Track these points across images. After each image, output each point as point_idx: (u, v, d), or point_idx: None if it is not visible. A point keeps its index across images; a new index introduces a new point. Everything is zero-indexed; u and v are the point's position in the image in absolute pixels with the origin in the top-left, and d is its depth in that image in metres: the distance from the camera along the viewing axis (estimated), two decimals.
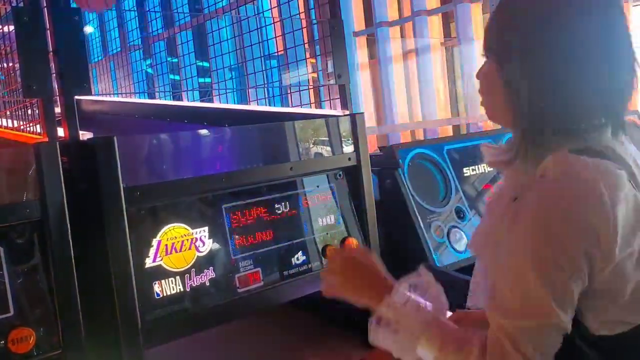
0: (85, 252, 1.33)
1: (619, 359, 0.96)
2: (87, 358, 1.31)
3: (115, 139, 1.33)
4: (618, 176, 0.92)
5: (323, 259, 1.71)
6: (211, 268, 1.50)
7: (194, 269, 1.47)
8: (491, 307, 0.98)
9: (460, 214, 2.15)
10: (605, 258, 0.90)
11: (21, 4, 1.37)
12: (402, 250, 1.99)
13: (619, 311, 0.94)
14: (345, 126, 1.82)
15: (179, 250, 1.46)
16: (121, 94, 3.50)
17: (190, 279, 1.46)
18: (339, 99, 1.89)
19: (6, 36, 1.74)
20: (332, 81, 1.92)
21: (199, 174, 1.52)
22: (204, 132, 1.59)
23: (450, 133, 3.91)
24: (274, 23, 2.37)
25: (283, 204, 1.68)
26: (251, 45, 2.41)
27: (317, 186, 1.77)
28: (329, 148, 1.80)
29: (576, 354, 0.95)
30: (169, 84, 3.37)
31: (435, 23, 4.04)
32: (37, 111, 1.73)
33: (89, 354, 1.31)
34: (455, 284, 1.72)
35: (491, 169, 2.28)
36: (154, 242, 1.42)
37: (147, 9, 3.57)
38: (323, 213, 1.76)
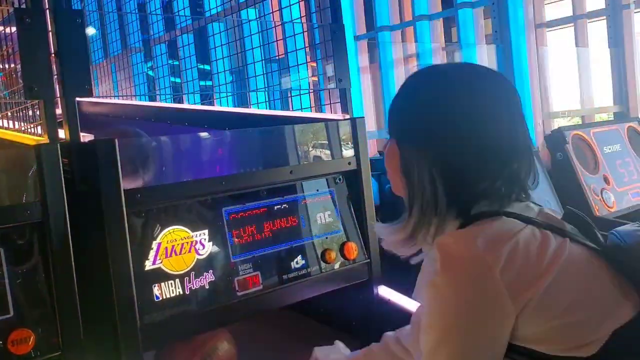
0: (85, 254, 1.34)
1: None
2: None
3: (116, 141, 1.33)
4: (494, 228, 0.96)
5: (322, 263, 1.71)
6: (210, 271, 1.50)
7: (193, 272, 1.47)
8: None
9: None
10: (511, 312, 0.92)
11: (24, 6, 1.37)
12: None
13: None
14: (345, 130, 1.82)
15: (178, 253, 1.46)
16: (122, 95, 3.51)
17: (189, 281, 1.46)
18: (340, 103, 1.89)
19: (7, 37, 1.75)
20: (332, 85, 1.93)
21: (199, 177, 1.52)
22: (204, 135, 1.59)
23: None
24: (275, 27, 2.37)
25: (283, 207, 1.68)
26: (252, 48, 2.42)
27: (317, 190, 1.77)
28: (329, 152, 1.81)
29: None
30: (170, 87, 3.38)
31: (436, 28, 4.06)
32: (37, 112, 1.74)
33: (88, 356, 1.32)
34: None
35: None
36: (154, 245, 1.43)
37: (149, 12, 3.58)
38: (322, 217, 1.76)
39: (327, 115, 1.97)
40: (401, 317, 1.75)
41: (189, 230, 1.49)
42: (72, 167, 1.36)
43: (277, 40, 2.33)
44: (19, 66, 1.50)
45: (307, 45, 2.21)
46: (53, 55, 1.37)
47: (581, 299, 0.95)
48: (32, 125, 1.59)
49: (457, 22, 3.32)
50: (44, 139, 1.33)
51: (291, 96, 2.24)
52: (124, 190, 1.35)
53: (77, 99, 1.38)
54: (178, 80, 3.30)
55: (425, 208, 1.02)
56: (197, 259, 1.49)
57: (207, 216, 1.53)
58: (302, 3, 2.24)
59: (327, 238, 1.75)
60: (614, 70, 4.36)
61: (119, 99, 3.46)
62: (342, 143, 1.82)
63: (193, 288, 1.46)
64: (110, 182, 1.34)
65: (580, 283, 0.96)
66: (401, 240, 1.09)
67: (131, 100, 3.37)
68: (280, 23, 2.35)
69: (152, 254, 1.42)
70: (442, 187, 1.00)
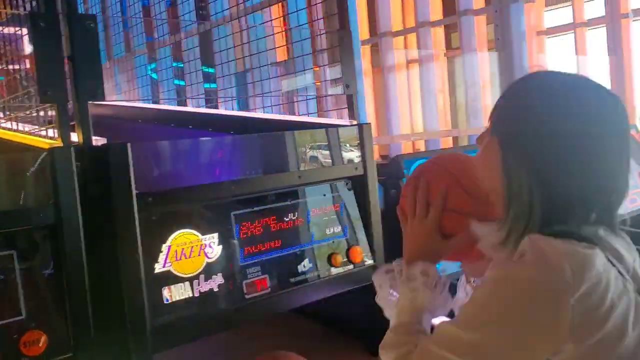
0: (97, 256, 1.35)
1: None
2: None
3: (129, 145, 1.35)
4: (587, 255, 0.92)
5: (329, 266, 1.73)
6: (220, 274, 1.52)
7: (202, 275, 1.49)
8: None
9: None
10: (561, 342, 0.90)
11: (36, 9, 1.39)
12: None
13: None
14: (352, 136, 1.84)
15: (188, 256, 1.47)
16: (132, 100, 3.52)
17: (199, 284, 1.48)
18: (347, 109, 1.91)
19: (12, 39, 1.76)
20: (338, 90, 1.94)
21: (209, 181, 1.54)
22: (214, 139, 1.61)
23: (452, 144, 3.94)
24: (281, 32, 2.39)
25: (290, 212, 1.70)
26: (258, 53, 2.44)
27: (324, 195, 1.79)
28: (335, 157, 1.82)
29: None
30: (174, 90, 3.39)
31: (438, 34, 4.08)
32: (44, 114, 1.74)
33: (99, 358, 1.33)
34: (455, 292, 1.74)
35: None
36: (164, 248, 1.44)
37: (154, 15, 3.59)
38: (329, 221, 1.78)
39: (333, 120, 1.99)
40: None
41: (198, 234, 1.50)
42: (84, 170, 1.37)
43: (284, 45, 2.35)
44: (24, 69, 1.51)
45: (313, 50, 2.23)
46: (66, 59, 1.39)
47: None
48: (42, 128, 1.61)
49: (459, 29, 3.34)
50: (58, 142, 1.34)
51: (298, 101, 2.26)
52: (135, 194, 1.36)
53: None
54: (182, 83, 3.31)
55: (519, 215, 0.99)
56: (207, 262, 1.50)
57: (217, 220, 1.55)
58: (308, 9, 2.26)
59: (333, 242, 1.77)
60: (612, 78, 4.40)
61: (123, 101, 3.47)
62: (349, 148, 1.84)
63: (202, 291, 1.48)
64: (122, 186, 1.35)
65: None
66: (497, 242, 1.03)
67: (135, 102, 3.38)
68: (287, 28, 2.37)
69: (162, 257, 1.43)
70: (539, 199, 0.97)
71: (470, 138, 3.39)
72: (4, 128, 2.07)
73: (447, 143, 3.80)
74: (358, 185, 1.86)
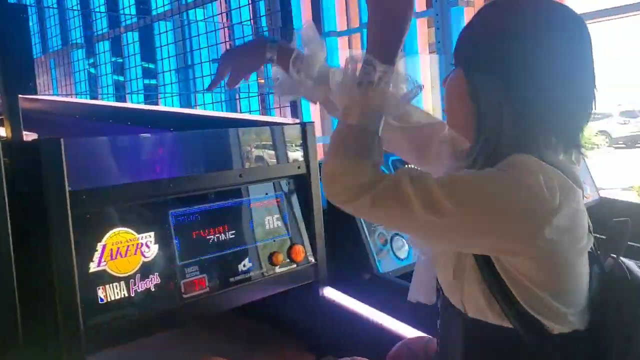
0: (28, 255, 1.29)
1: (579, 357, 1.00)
2: None
3: (62, 140, 1.30)
4: (572, 188, 0.95)
5: (269, 265, 1.72)
6: (156, 273, 1.48)
7: (139, 274, 1.45)
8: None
9: None
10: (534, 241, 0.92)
11: None
12: (348, 256, 2.02)
13: (560, 305, 0.99)
14: (295, 134, 1.84)
15: (124, 255, 1.44)
16: (68, 94, 3.40)
17: (135, 284, 1.44)
18: (289, 107, 1.90)
19: None
20: None
21: (146, 179, 1.50)
22: (152, 136, 1.57)
23: None
24: (222, 28, 2.37)
25: (231, 211, 1.68)
26: (200, 49, 2.40)
27: (266, 194, 1.78)
28: (278, 156, 1.82)
29: (538, 356, 0.99)
30: (113, 85, 3.30)
31: None
32: None
33: None
34: (396, 290, 1.77)
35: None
36: (99, 247, 1.40)
37: (92, 8, 3.48)
38: (270, 220, 1.77)
39: (276, 119, 1.98)
40: (347, 319, 1.78)
41: (134, 233, 1.47)
42: (14, 166, 1.31)
43: (225, 42, 2.32)
44: None
45: None
46: None
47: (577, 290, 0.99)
48: None
49: None
50: None
51: (239, 98, 2.24)
52: (69, 191, 1.32)
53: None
54: (121, 78, 3.23)
55: (489, 138, 1.00)
56: (143, 261, 1.47)
57: (154, 218, 1.52)
58: (251, 6, 2.24)
59: (274, 241, 1.76)
60: None
61: (59, 95, 3.35)
62: (291, 147, 1.84)
63: (138, 290, 1.44)
64: (54, 183, 1.30)
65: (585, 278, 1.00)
66: (463, 167, 1.05)
67: (72, 97, 3.27)
68: (228, 25, 2.35)
69: (96, 255, 1.39)
70: (508, 120, 0.98)
71: None
72: None
73: None
74: (300, 184, 1.86)
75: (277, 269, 1.74)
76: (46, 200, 1.29)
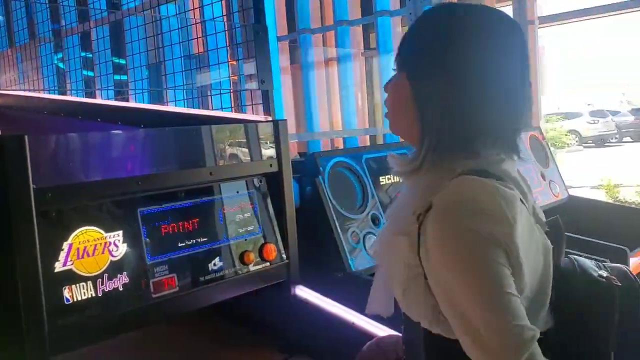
0: None
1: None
2: None
3: (26, 137, 1.26)
4: (513, 196, 0.96)
5: (240, 264, 1.70)
6: (125, 273, 1.46)
7: (106, 274, 1.42)
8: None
9: (375, 220, 2.21)
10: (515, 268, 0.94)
11: None
12: (320, 255, 2.02)
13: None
14: (267, 132, 1.82)
15: (91, 255, 1.41)
16: (36, 90, 3.32)
17: (102, 283, 1.41)
18: (262, 104, 1.88)
19: None
20: (253, 85, 1.92)
21: (114, 176, 1.47)
22: (120, 133, 1.54)
23: (369, 142, 3.99)
24: (195, 24, 2.33)
25: (201, 209, 1.66)
26: (171, 44, 2.37)
27: (237, 192, 1.76)
28: (250, 153, 1.80)
29: None
30: (82, 81, 3.23)
31: (358, 33, 4.12)
32: None
33: None
34: (369, 288, 1.77)
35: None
36: (65, 246, 1.36)
37: (60, 1, 3.40)
38: (242, 219, 1.75)
39: (248, 116, 1.96)
40: (318, 317, 1.78)
41: (102, 231, 1.43)
42: None
43: (197, 38, 2.29)
44: None
45: (228, 44, 2.19)
46: None
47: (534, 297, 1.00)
48: None
49: (375, 29, 3.39)
50: None
51: (211, 95, 2.21)
52: (33, 188, 1.28)
53: None
54: (91, 74, 3.17)
55: (432, 138, 1.02)
56: (111, 260, 1.44)
57: (122, 217, 1.49)
58: (224, 1, 2.22)
59: (246, 240, 1.74)
60: None
61: (25, 90, 3.28)
62: (263, 145, 1.82)
63: (106, 290, 1.41)
64: (18, 180, 1.26)
65: (541, 284, 1.01)
66: (408, 171, 1.07)
67: (39, 93, 3.20)
68: (200, 20, 2.31)
69: (62, 255, 1.36)
70: (449, 124, 1.00)
71: (386, 137, 3.44)
72: None
73: (364, 141, 3.85)
74: (273, 182, 1.84)
75: (249, 268, 1.72)
76: (9, 198, 1.26)
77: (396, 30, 3.41)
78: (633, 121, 19.32)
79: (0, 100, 3.02)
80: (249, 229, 1.76)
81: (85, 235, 1.40)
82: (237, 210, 1.75)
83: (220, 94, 2.14)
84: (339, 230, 2.04)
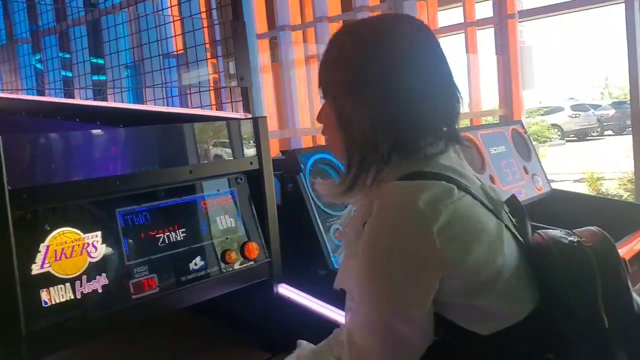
0: None
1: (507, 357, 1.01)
2: None
3: (0, 138, 1.24)
4: (443, 191, 0.98)
5: (222, 263, 1.69)
6: (104, 274, 1.44)
7: (85, 276, 1.40)
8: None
9: None
10: (447, 271, 0.96)
11: None
12: (303, 253, 2.01)
13: (487, 303, 1.00)
14: (247, 129, 1.81)
15: (69, 256, 1.39)
16: (14, 90, 3.27)
17: (81, 285, 1.39)
18: (241, 102, 1.87)
19: None
20: (234, 83, 1.90)
21: (92, 176, 1.45)
22: (98, 132, 1.52)
23: None
24: (173, 22, 2.31)
25: (181, 208, 1.64)
26: (149, 43, 2.34)
27: (218, 190, 1.75)
28: (230, 151, 1.78)
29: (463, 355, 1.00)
30: (60, 81, 3.19)
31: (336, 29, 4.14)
32: None
33: None
34: None
35: None
36: (42, 248, 1.34)
37: (38, 1, 3.35)
38: (223, 218, 1.74)
39: (228, 114, 1.95)
40: (302, 316, 1.77)
41: (80, 232, 1.41)
42: None
43: (175, 36, 2.27)
44: None
45: (207, 41, 2.17)
46: None
47: (499, 285, 0.99)
48: None
49: None
50: None
51: (191, 93, 2.19)
52: (8, 190, 1.26)
53: None
54: (69, 74, 3.13)
55: (365, 154, 1.04)
56: (90, 262, 1.42)
57: (100, 217, 1.47)
58: None
59: (227, 239, 1.73)
60: (500, 76, 4.64)
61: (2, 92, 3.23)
62: (243, 142, 1.81)
63: (85, 292, 1.40)
64: None
65: (504, 269, 1.01)
66: (340, 192, 1.09)
67: (17, 93, 3.15)
68: (179, 18, 2.29)
69: (39, 257, 1.34)
70: (382, 129, 1.02)
71: None
72: None
73: None
74: (253, 180, 1.83)
75: (231, 267, 1.71)
76: None
77: None
78: (614, 114, 19.57)
79: None
80: (231, 227, 1.75)
81: (62, 237, 1.38)
82: (218, 208, 1.74)
83: (200, 92, 2.12)
84: (321, 228, 2.03)
